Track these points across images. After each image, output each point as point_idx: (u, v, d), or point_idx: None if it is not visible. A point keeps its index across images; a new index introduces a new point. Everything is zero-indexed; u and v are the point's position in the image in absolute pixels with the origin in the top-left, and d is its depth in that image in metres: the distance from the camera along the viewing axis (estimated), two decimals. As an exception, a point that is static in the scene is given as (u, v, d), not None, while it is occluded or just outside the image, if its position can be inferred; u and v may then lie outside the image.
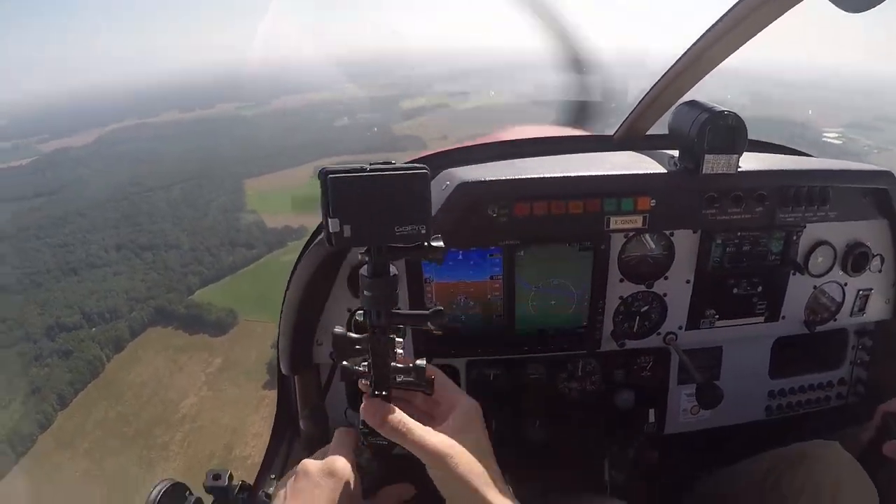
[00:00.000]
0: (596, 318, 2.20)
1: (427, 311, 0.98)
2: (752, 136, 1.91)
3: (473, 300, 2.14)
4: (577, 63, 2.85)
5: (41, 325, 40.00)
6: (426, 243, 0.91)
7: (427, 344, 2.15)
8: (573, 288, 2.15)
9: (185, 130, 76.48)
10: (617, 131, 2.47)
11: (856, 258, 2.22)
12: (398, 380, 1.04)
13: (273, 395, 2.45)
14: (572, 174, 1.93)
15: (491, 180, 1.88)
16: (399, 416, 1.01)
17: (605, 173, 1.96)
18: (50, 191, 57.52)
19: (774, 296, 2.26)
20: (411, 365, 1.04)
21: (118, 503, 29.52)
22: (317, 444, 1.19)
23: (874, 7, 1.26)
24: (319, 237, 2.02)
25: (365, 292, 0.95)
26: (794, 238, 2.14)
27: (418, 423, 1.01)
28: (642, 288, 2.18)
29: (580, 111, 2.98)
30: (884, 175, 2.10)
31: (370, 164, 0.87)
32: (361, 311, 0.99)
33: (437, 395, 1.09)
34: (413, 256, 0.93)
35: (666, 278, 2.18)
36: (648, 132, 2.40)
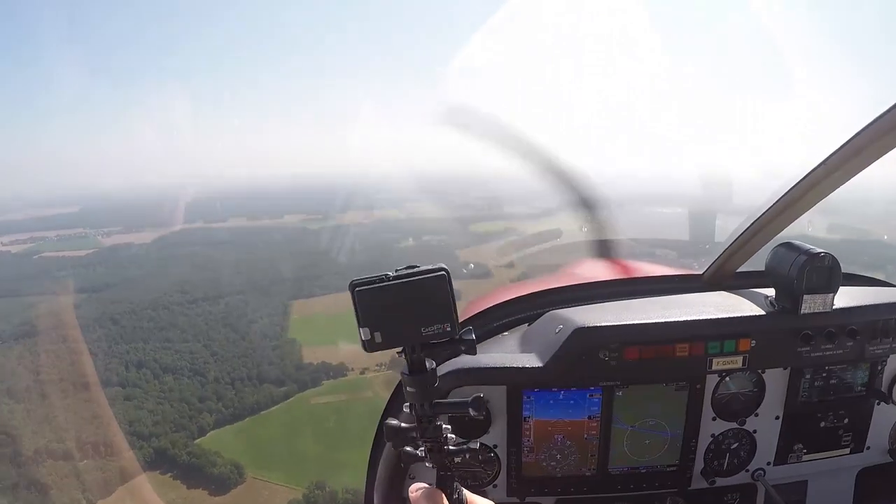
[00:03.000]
0: (688, 457, 2.18)
1: (468, 399, 1.04)
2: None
3: (570, 439, 2.16)
4: (586, 202, 3.00)
5: (31, 447, 35.32)
6: (457, 337, 0.99)
7: (520, 483, 2.14)
8: (668, 427, 2.15)
9: (248, 240, 75.88)
10: (707, 270, 2.51)
11: None
12: (456, 460, 1.10)
13: None
14: (680, 319, 1.99)
15: (605, 326, 1.96)
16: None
17: (710, 317, 2.02)
18: (94, 288, 55.74)
19: (860, 427, 2.26)
20: (465, 447, 1.10)
21: None
22: None
23: None
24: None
25: (408, 388, 1.04)
26: (879, 369, 2.16)
27: None
28: (734, 425, 2.19)
29: (602, 248, 3.16)
30: None
31: (395, 271, 0.98)
32: (408, 404, 1.07)
33: None
34: (449, 352, 1.01)
35: (756, 415, 2.19)
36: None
